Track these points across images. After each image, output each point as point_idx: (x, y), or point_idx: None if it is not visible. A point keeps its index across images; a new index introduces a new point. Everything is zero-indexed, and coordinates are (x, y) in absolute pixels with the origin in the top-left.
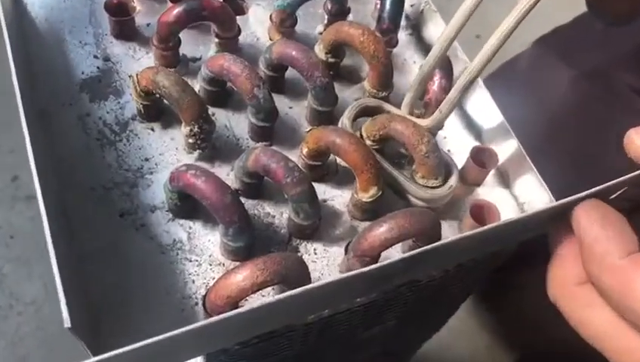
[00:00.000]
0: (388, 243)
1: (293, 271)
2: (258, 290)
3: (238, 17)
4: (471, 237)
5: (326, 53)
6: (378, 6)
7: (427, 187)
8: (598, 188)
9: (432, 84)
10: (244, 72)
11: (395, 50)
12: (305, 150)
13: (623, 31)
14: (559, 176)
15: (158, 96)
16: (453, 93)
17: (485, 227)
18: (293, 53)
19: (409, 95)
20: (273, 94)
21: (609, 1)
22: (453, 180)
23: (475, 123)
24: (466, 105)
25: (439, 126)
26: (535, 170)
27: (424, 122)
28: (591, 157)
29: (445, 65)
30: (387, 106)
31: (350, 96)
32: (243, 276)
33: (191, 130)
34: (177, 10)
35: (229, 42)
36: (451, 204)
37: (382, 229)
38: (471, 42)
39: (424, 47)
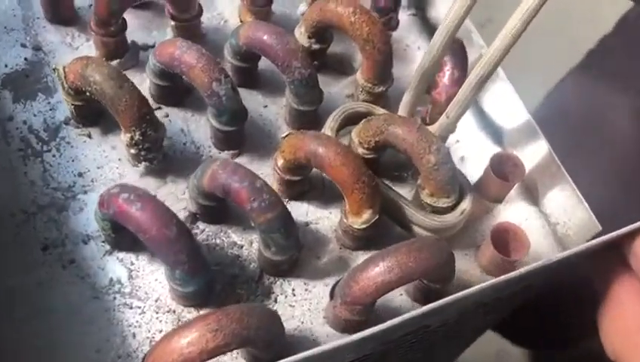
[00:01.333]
0: (386, 289)
1: (260, 331)
2: (210, 359)
3: None
4: (496, 286)
5: (309, 38)
6: None
7: (434, 208)
8: None
9: (442, 75)
10: (199, 61)
11: (395, 33)
12: (280, 161)
13: None
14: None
15: (89, 94)
16: (463, 91)
17: (514, 274)
18: (265, 37)
19: (408, 93)
20: (244, 90)
21: None
22: (466, 203)
23: (495, 123)
24: (484, 100)
25: (449, 131)
26: (571, 181)
27: (429, 127)
28: None
29: (457, 52)
30: (380, 111)
31: (339, 92)
32: (188, 341)
33: (131, 138)
34: None
35: (189, 25)
36: (466, 226)
37: (378, 269)
38: (480, 28)
39: (430, 30)
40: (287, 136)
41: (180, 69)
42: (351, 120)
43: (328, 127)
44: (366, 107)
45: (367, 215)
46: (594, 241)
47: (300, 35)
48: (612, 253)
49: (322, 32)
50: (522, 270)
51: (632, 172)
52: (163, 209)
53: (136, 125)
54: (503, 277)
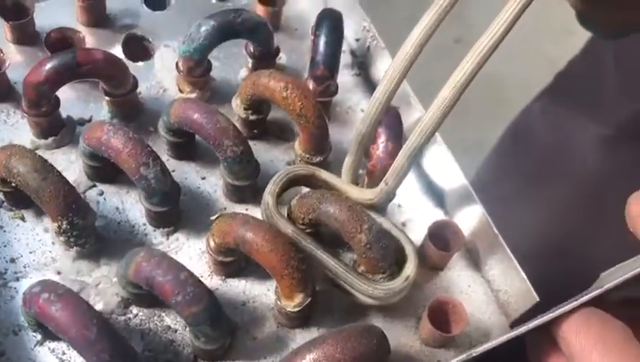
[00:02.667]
0: None
1: None
2: None
3: (142, 63)
4: None
5: (245, 110)
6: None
7: (374, 281)
8: (591, 294)
9: (376, 147)
10: (126, 146)
11: (338, 96)
12: (212, 243)
13: (637, 73)
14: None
15: (14, 185)
16: (399, 160)
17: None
18: (195, 117)
19: (348, 159)
20: (181, 162)
21: (600, 13)
22: (409, 269)
23: (436, 187)
24: (425, 163)
25: (388, 199)
26: (508, 251)
27: (369, 194)
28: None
29: (392, 122)
30: (323, 174)
31: (280, 157)
32: None
33: (59, 227)
34: (47, 67)
35: (124, 100)
36: (407, 295)
37: (305, 361)
38: (449, 48)
39: (373, 91)
40: (217, 218)
41: (107, 154)
42: (293, 182)
43: (269, 192)
44: (308, 170)
45: (299, 299)
46: (512, 333)
47: (237, 106)
48: (544, 334)
49: (258, 103)
50: None
51: (587, 206)
52: (83, 309)
53: (63, 215)
54: None
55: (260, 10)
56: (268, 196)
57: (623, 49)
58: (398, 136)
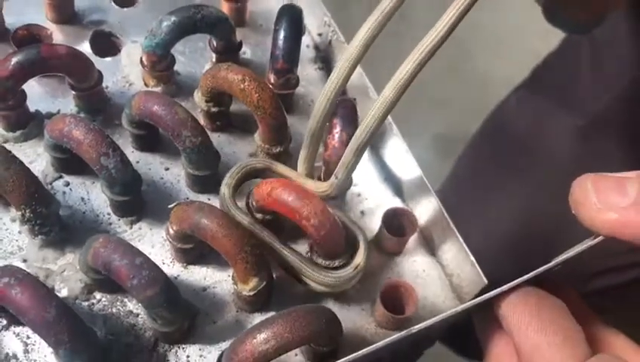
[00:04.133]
0: (265, 359)
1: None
2: None
3: (109, 58)
4: (376, 351)
5: (207, 102)
6: None
7: (327, 268)
8: (531, 274)
9: (332, 138)
10: (87, 137)
11: (301, 88)
12: (171, 231)
13: (612, 64)
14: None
15: None
16: (346, 155)
17: (391, 339)
18: (155, 108)
19: (302, 152)
20: (145, 154)
21: (569, 9)
22: (360, 258)
23: (393, 177)
24: (384, 154)
25: (343, 189)
26: (459, 237)
27: (323, 186)
28: None
29: (347, 113)
30: (279, 167)
31: (243, 149)
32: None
33: (23, 216)
34: (12, 62)
35: (89, 93)
36: (364, 280)
37: (255, 341)
38: (447, 74)
39: None
40: (175, 206)
41: (69, 145)
42: (250, 175)
43: (225, 184)
44: (264, 163)
45: (253, 283)
46: (453, 310)
47: (199, 99)
48: (489, 312)
49: (218, 96)
50: (391, 339)
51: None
52: (42, 292)
53: (26, 204)
54: (372, 347)
55: (225, 6)
56: (224, 188)
57: (598, 41)
58: (352, 126)
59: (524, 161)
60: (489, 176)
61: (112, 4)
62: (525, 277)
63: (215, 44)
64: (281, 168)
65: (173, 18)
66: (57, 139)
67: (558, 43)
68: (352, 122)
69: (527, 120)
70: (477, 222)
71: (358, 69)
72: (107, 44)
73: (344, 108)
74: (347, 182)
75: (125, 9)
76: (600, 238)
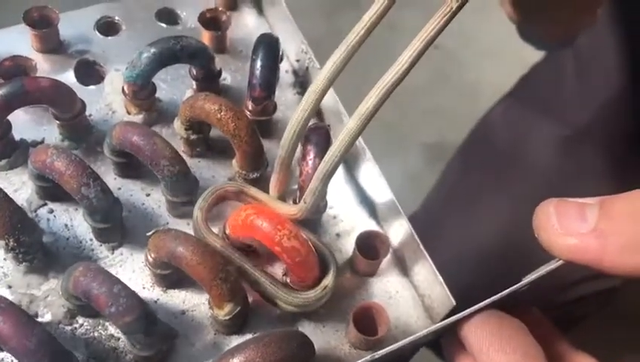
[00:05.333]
0: None
1: None
2: None
3: (93, 87)
4: None
5: (186, 130)
6: None
7: (295, 290)
8: (495, 297)
9: (306, 164)
10: (68, 168)
11: (280, 113)
12: (149, 258)
13: (597, 73)
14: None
15: None
16: (313, 183)
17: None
18: (134, 139)
19: (273, 177)
20: (126, 180)
21: (540, 27)
22: (329, 279)
23: (368, 200)
24: (358, 178)
25: (315, 213)
26: (429, 259)
27: (293, 210)
28: None
29: (320, 140)
30: (251, 190)
31: (222, 173)
32: None
33: (7, 245)
34: None
35: (73, 123)
36: (338, 301)
37: None
38: (428, 53)
39: None
40: (152, 234)
41: (51, 175)
42: (222, 198)
43: (198, 207)
44: (237, 186)
45: (228, 307)
46: (419, 334)
47: (179, 126)
48: (454, 333)
49: (197, 124)
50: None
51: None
52: (23, 319)
53: (10, 233)
54: None
55: (205, 35)
56: (197, 211)
57: (583, 51)
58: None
59: (510, 171)
60: (475, 185)
61: (96, 32)
62: (489, 300)
63: (195, 72)
64: (252, 191)
65: (152, 50)
66: (40, 170)
67: (543, 54)
68: (325, 149)
69: (513, 129)
70: (462, 231)
71: (333, 95)
72: (91, 73)
73: (318, 135)
74: (318, 206)
75: (109, 37)
76: (560, 262)
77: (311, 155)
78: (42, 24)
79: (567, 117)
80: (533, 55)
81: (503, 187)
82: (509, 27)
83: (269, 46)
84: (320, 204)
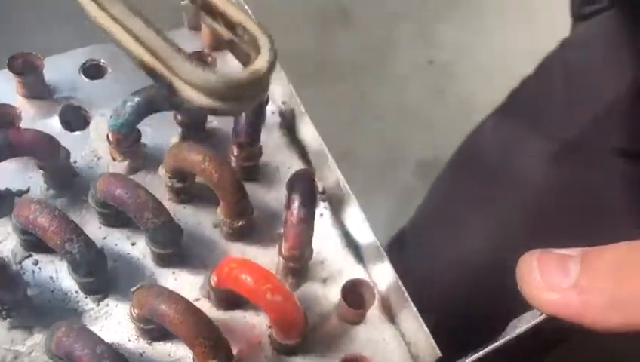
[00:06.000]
0: None
1: None
2: None
3: (78, 132)
4: None
5: (170, 178)
6: None
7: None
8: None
9: (290, 213)
10: (52, 224)
11: (266, 156)
12: (133, 314)
13: (586, 87)
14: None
15: None
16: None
17: None
18: (117, 192)
19: None
20: (111, 229)
21: None
22: (262, 61)
23: (354, 243)
24: (345, 222)
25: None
26: (413, 307)
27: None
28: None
29: (305, 188)
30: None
31: (208, 219)
32: None
33: None
34: None
35: (57, 172)
36: (324, 349)
37: None
38: (423, 69)
39: (300, 150)
40: (137, 289)
41: (35, 231)
42: None
43: None
44: None
45: None
46: None
47: (163, 175)
48: None
49: (182, 173)
50: None
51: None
52: None
53: None
54: None
55: None
56: None
57: (572, 65)
58: (311, 202)
59: (498, 186)
60: (463, 200)
61: (82, 76)
62: (477, 355)
63: (180, 117)
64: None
65: (136, 99)
66: (23, 225)
67: (533, 68)
68: (311, 197)
69: (502, 145)
70: (450, 249)
71: (317, 137)
72: (76, 118)
73: (303, 183)
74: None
75: (95, 81)
76: (544, 317)
77: (295, 204)
78: (27, 70)
79: (556, 132)
80: (527, 69)
81: (491, 203)
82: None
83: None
84: (305, 253)
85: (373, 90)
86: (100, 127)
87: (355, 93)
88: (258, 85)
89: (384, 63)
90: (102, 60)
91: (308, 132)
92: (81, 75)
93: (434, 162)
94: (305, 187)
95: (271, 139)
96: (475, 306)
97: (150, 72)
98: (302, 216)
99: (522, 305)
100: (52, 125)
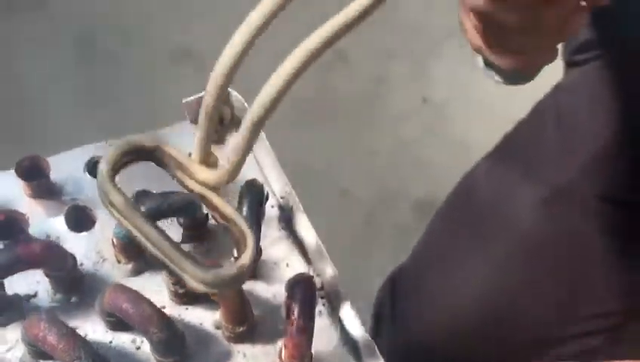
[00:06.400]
0: None
1: None
2: None
3: (85, 233)
4: None
5: (173, 284)
6: None
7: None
8: None
9: (290, 323)
10: (60, 343)
11: (265, 252)
12: None
13: (576, 134)
14: None
15: None
16: (238, 138)
17: None
18: (124, 306)
19: (198, 135)
20: (117, 333)
21: (503, 58)
22: (246, 257)
23: (352, 340)
24: (343, 318)
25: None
26: None
27: (214, 175)
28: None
29: (304, 296)
30: (170, 150)
31: (210, 320)
32: None
33: None
34: None
35: (64, 278)
36: None
37: None
38: (417, 106)
39: (299, 246)
40: None
41: (44, 348)
42: (135, 154)
43: (106, 160)
44: (152, 141)
45: None
46: None
47: (166, 281)
48: None
49: None
50: None
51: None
52: None
53: None
54: None
55: None
56: (103, 163)
57: (563, 111)
58: (311, 311)
59: (492, 232)
60: (458, 246)
61: (86, 174)
62: None
63: (182, 220)
64: (171, 151)
65: (141, 209)
66: (33, 342)
67: (526, 112)
68: (310, 305)
69: (495, 189)
70: (444, 293)
71: (315, 237)
72: (82, 218)
73: (303, 290)
74: (235, 173)
75: None
76: None
77: (295, 314)
78: (33, 173)
79: (547, 178)
80: (522, 109)
81: (483, 249)
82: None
83: (253, 195)
84: (305, 359)
85: (368, 128)
86: (106, 228)
87: (350, 132)
88: (244, 275)
89: (379, 102)
90: None
91: (305, 229)
92: (86, 173)
93: (430, 202)
94: (304, 296)
95: (270, 233)
96: (470, 356)
97: (162, 265)
98: (301, 326)
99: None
100: (58, 226)
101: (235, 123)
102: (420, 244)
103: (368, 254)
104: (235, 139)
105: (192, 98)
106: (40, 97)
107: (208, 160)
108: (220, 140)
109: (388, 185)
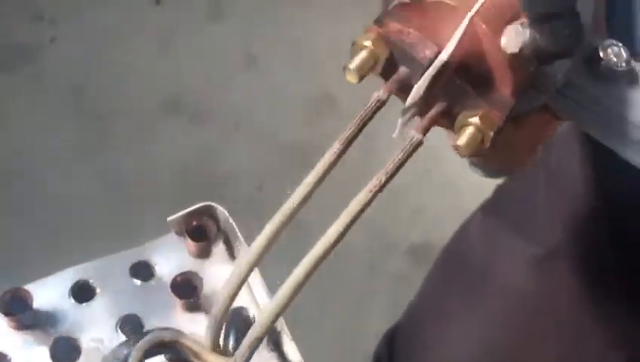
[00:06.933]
0: None
1: None
2: None
3: None
4: None
5: None
6: None
7: None
8: None
9: None
10: None
11: None
12: None
13: (565, 191)
14: None
15: None
16: (253, 332)
17: None
18: None
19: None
20: None
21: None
22: None
23: None
24: None
25: None
26: None
27: None
28: None
29: None
30: (188, 341)
31: None
32: None
33: None
34: None
35: None
36: None
37: None
38: (420, 179)
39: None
40: None
41: None
42: (158, 347)
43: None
44: (172, 335)
45: None
46: None
47: None
48: None
49: None
50: None
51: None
52: None
53: None
54: None
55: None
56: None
57: (553, 169)
58: None
59: (487, 289)
60: (452, 303)
61: (71, 299)
62: None
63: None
64: (189, 342)
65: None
66: None
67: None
68: None
69: (487, 246)
70: (441, 350)
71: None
72: (66, 350)
73: None
74: None
75: (84, 304)
76: None
77: None
78: (15, 305)
79: (540, 236)
80: None
81: (479, 306)
82: None
83: None
84: None
85: (359, 174)
86: (91, 358)
87: (341, 179)
88: None
89: (369, 147)
90: (90, 280)
91: (292, 354)
92: (71, 298)
93: (426, 246)
94: None
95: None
96: None
97: None
98: None
99: None
100: (43, 358)
101: (221, 234)
102: (415, 300)
103: (366, 306)
104: (244, 342)
105: (176, 215)
106: (30, 150)
107: (217, 344)
108: (206, 255)
109: (381, 231)
